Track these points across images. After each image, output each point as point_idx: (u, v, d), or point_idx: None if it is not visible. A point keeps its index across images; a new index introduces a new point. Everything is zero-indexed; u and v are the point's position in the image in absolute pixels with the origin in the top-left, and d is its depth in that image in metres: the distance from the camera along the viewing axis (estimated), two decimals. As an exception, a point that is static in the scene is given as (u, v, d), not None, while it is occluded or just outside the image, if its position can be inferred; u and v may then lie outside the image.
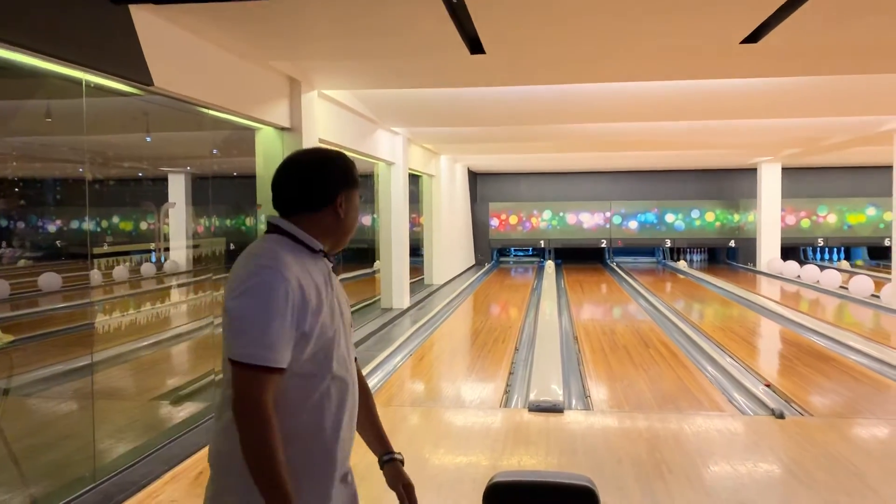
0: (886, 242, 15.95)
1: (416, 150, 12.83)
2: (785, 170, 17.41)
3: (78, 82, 4.00)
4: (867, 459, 4.45)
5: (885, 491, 3.91)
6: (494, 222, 20.32)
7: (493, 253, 20.76)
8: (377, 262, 11.83)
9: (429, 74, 6.88)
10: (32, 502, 3.90)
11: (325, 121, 7.45)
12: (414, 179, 13.84)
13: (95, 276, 10.52)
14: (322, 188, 1.75)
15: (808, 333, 8.93)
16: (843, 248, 19.89)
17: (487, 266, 19.50)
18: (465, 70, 6.33)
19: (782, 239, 17.53)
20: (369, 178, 11.60)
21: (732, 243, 19.70)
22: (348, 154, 8.61)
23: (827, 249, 19.92)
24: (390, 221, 11.14)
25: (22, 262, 12.31)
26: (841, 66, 6.33)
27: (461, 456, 4.59)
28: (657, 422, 5.22)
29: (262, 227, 4.55)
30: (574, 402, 5.93)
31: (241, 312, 1.55)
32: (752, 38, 4.80)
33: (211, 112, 5.46)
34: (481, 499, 1.42)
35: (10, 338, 5.64)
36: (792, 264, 15.83)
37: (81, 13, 3.64)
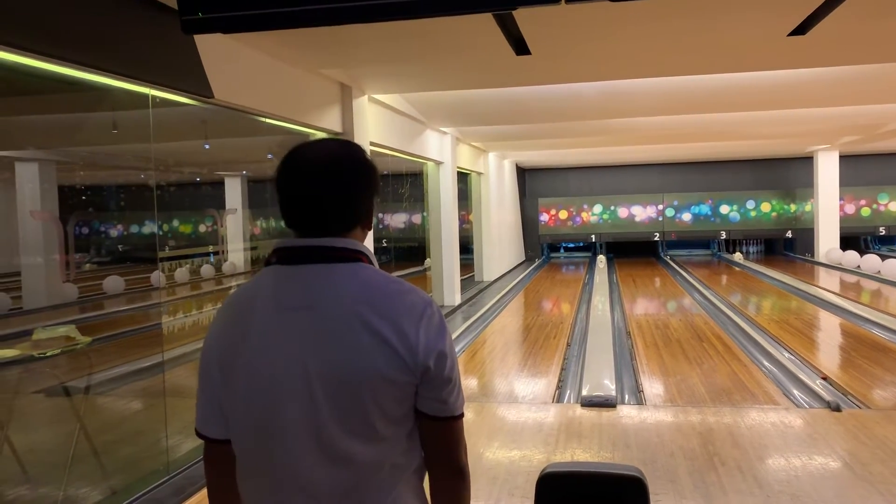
0: (952, 230, 15.41)
1: (464, 148, 12.95)
2: (843, 157, 16.96)
3: (145, 96, 4.25)
4: (926, 452, 4.40)
5: (944, 484, 3.88)
6: (544, 217, 20.27)
7: (543, 248, 20.72)
8: (428, 259, 11.98)
9: (475, 76, 6.98)
10: (112, 493, 4.14)
11: (376, 124, 7.63)
12: (462, 177, 13.96)
13: (160, 278, 10.96)
14: (374, 192, 1.37)
15: (867, 325, 8.75)
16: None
17: (538, 262, 19.50)
18: (512, 70, 6.41)
19: (841, 228, 17.08)
20: (418, 177, 11.76)
21: (789, 234, 19.27)
22: (398, 155, 8.69)
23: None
24: (440, 219, 11.29)
25: (87, 266, 12.86)
26: (888, 54, 6.22)
27: (515, 450, 4.70)
28: (710, 416, 5.24)
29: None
30: (627, 396, 5.97)
31: (455, 361, 1.32)
32: (800, 30, 4.78)
33: (267, 120, 5.67)
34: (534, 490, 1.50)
35: (88, 339, 5.96)
36: (852, 254, 15.43)
37: (147, 33, 3.86)
